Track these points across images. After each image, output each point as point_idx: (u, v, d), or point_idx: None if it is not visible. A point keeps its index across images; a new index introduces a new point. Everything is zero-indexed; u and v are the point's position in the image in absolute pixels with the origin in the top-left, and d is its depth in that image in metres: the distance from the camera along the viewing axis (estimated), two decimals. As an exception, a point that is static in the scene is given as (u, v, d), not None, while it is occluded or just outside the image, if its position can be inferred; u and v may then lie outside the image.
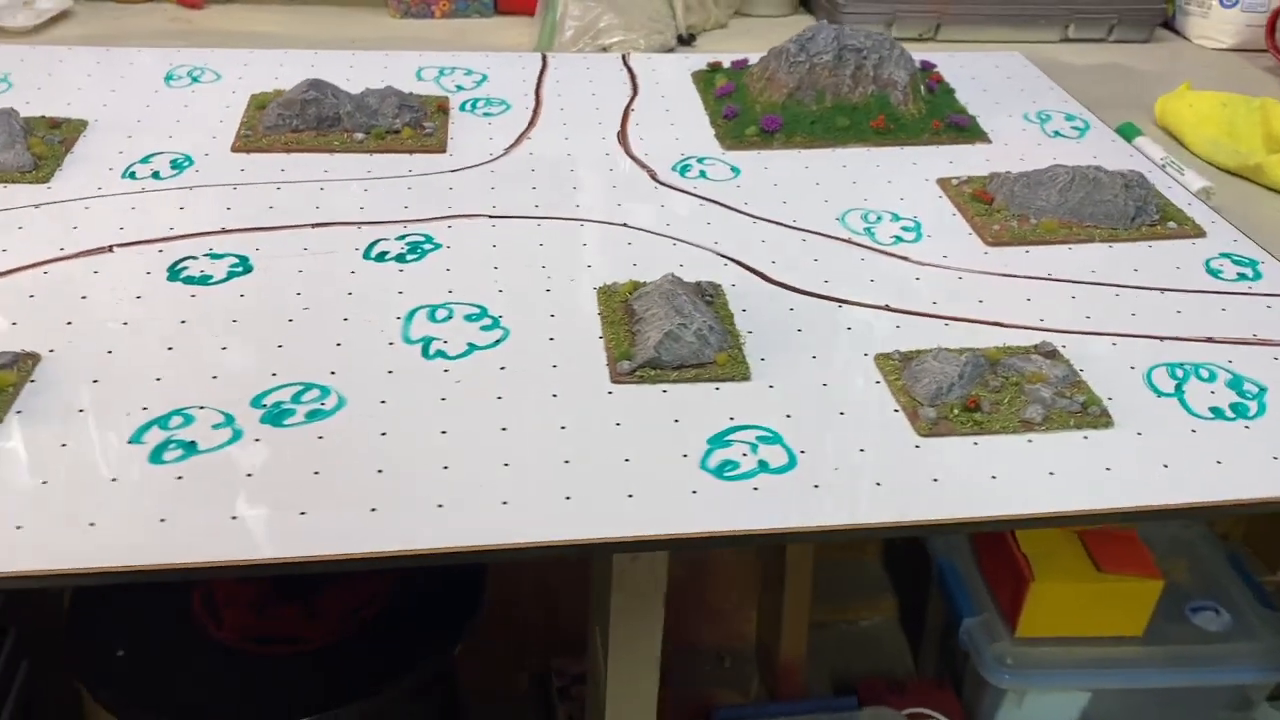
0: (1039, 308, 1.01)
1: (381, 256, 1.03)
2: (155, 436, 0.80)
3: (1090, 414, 0.86)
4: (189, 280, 0.98)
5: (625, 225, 1.11)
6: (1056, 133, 1.35)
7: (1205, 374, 0.92)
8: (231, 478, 0.77)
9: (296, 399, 0.84)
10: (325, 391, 0.85)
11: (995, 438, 0.84)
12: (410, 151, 1.22)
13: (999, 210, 1.14)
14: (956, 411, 0.85)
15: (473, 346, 0.92)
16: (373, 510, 0.75)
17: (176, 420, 0.81)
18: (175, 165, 1.17)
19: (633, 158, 1.24)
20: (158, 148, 1.20)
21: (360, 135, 1.23)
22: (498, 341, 0.92)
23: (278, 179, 1.15)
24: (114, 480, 0.76)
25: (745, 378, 0.89)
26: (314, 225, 1.08)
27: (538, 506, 0.76)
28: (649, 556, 1.02)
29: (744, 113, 1.32)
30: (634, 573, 1.03)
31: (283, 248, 1.04)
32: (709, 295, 0.98)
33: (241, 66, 1.40)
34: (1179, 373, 0.92)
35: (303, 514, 0.74)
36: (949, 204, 1.17)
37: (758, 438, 0.83)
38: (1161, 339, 0.97)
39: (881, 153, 1.28)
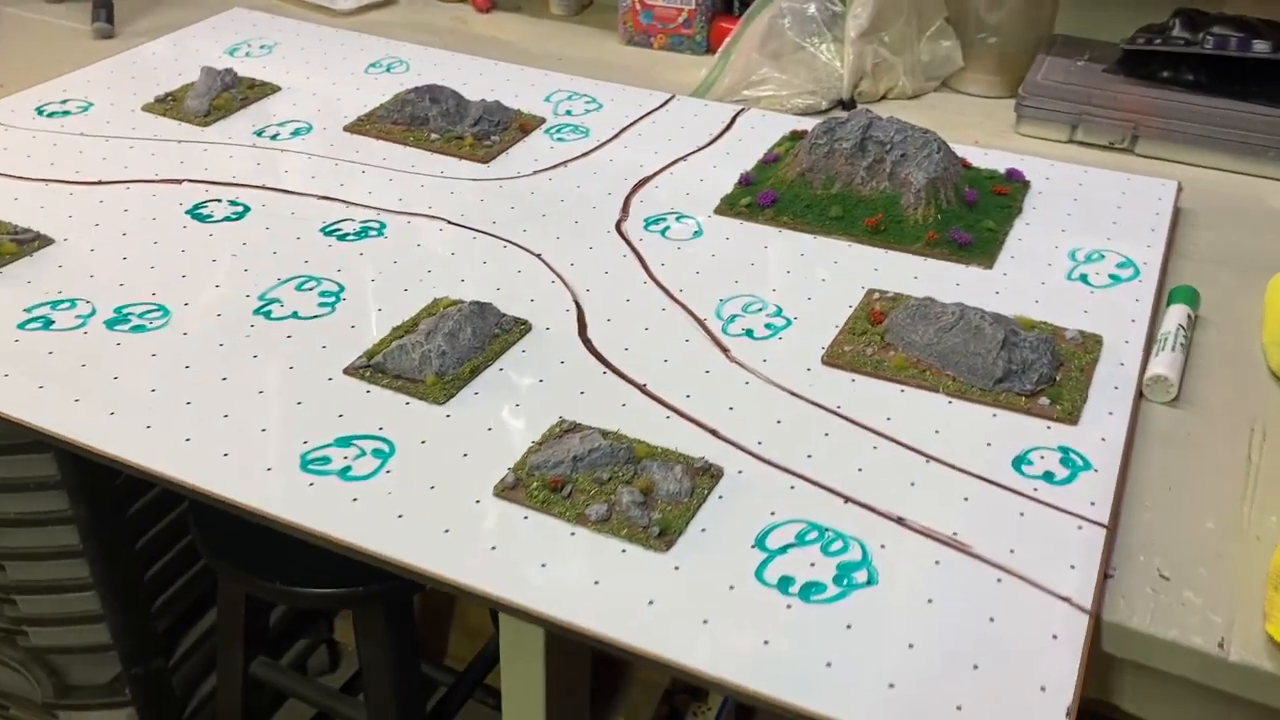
0: (788, 430, 0.95)
1: (339, 234, 1.26)
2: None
3: (650, 534, 0.84)
4: (202, 219, 1.29)
5: (537, 256, 1.22)
6: (1082, 276, 1.17)
7: (837, 545, 0.83)
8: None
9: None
10: (164, 310, 1.11)
11: (549, 519, 0.86)
12: (460, 157, 1.42)
13: (877, 333, 1.06)
14: (536, 485, 0.88)
15: (296, 314, 1.11)
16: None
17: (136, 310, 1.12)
18: (295, 133, 1.48)
19: (625, 204, 1.32)
20: (300, 117, 1.52)
21: (434, 136, 1.45)
22: (316, 316, 1.10)
23: (347, 157, 1.42)
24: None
25: (438, 402, 0.99)
26: (320, 196, 1.33)
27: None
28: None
29: (757, 183, 1.33)
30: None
31: (281, 208, 1.30)
32: (501, 329, 1.07)
33: (431, 66, 1.69)
34: (810, 535, 0.84)
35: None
36: (845, 314, 1.11)
37: (374, 450, 0.94)
38: (846, 500, 0.88)
39: (852, 250, 1.22)
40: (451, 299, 1.12)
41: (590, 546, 0.84)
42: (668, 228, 1.28)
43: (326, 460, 0.93)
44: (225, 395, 1.00)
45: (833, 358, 1.04)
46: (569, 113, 1.55)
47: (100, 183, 1.36)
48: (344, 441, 0.94)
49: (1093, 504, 0.88)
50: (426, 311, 1.10)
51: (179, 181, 1.36)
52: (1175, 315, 1.10)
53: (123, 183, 1.36)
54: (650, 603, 0.79)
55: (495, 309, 1.09)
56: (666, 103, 1.58)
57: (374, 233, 1.26)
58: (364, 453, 0.93)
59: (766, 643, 0.76)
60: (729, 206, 1.30)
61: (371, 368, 1.03)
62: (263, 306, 1.13)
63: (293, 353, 1.06)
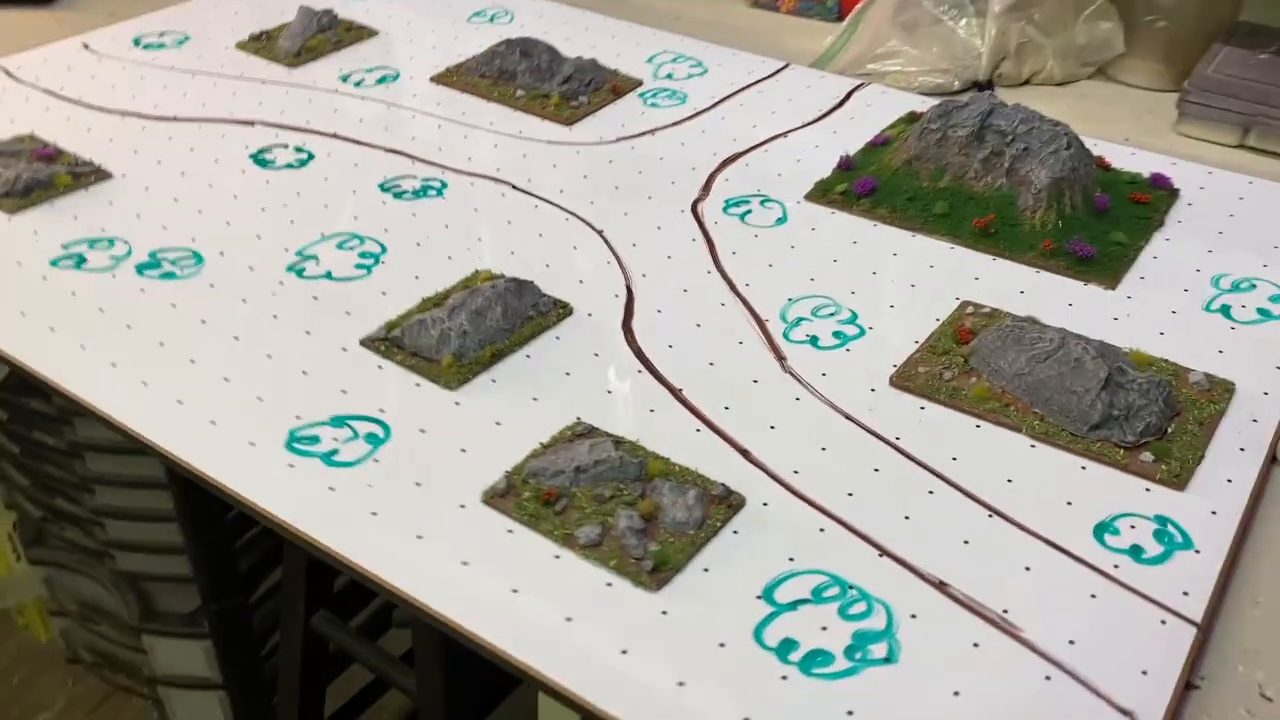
0: (831, 460, 0.82)
1: (396, 191, 1.18)
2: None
3: (642, 569, 0.72)
4: (264, 164, 1.23)
5: (599, 232, 1.11)
6: (1224, 308, 0.99)
7: (859, 608, 0.70)
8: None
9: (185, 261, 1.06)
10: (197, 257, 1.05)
11: (534, 536, 0.76)
12: (542, 117, 1.32)
13: (961, 355, 0.92)
14: (528, 495, 0.78)
15: (329, 274, 1.04)
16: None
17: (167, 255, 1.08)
18: (381, 80, 1.41)
19: (708, 182, 1.20)
20: (389, 64, 1.45)
21: (520, 93, 1.36)
22: (349, 279, 1.03)
23: (426, 109, 1.34)
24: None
25: (449, 387, 0.90)
26: (388, 149, 1.25)
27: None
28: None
29: (858, 169, 1.18)
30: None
31: (345, 158, 1.23)
32: (538, 310, 0.97)
33: (535, 18, 1.59)
34: (830, 590, 0.71)
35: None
36: (930, 328, 0.96)
37: (368, 434, 0.85)
38: (881, 553, 0.74)
39: (953, 253, 1.07)
40: (493, 273, 1.02)
41: (573, 575, 0.73)
42: (749, 211, 1.15)
43: (315, 440, 0.85)
44: (231, 357, 0.93)
45: (903, 379, 0.90)
46: (669, 76, 1.43)
47: (175, 119, 1.32)
48: (339, 421, 0.86)
49: (1186, 593, 0.72)
50: (464, 284, 1.01)
51: (251, 123, 1.31)
52: (1332, 366, 0.92)
53: (196, 120, 1.31)
54: (623, 652, 0.68)
55: (536, 288, 0.99)
56: (779, 71, 1.44)
57: (433, 192, 1.18)
58: (356, 436, 0.85)
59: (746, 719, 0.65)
60: (822, 193, 1.16)
61: (389, 341, 0.94)
62: (297, 264, 1.06)
63: (313, 317, 0.98)
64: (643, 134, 1.29)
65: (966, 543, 0.76)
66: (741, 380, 0.91)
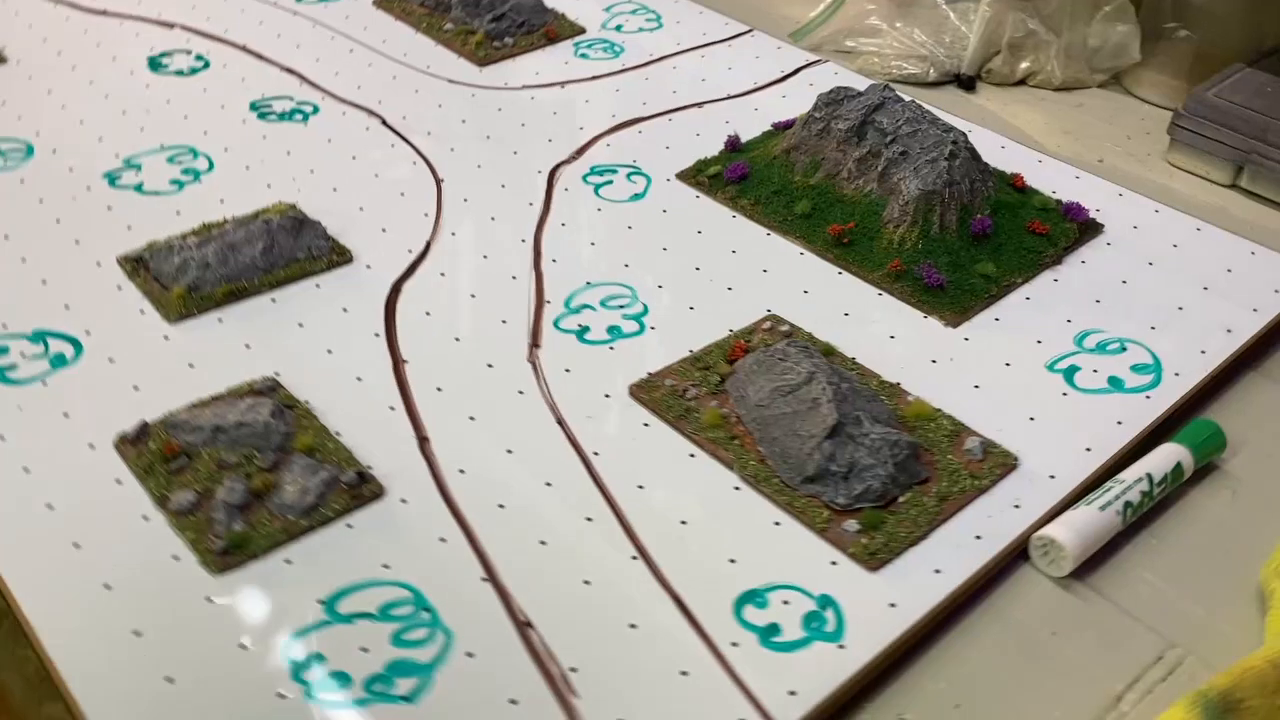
0: (509, 466, 0.74)
1: (264, 111, 1.13)
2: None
3: (214, 547, 0.66)
4: (156, 67, 1.21)
5: (439, 182, 1.03)
6: (1069, 370, 0.84)
7: (419, 633, 0.61)
8: None
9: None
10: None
11: (137, 491, 0.70)
12: (459, 53, 1.25)
13: (719, 374, 0.80)
14: (154, 446, 0.72)
15: (139, 187, 1.00)
16: None
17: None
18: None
19: (586, 145, 1.10)
20: (344, -18, 1.40)
21: (449, 27, 1.28)
22: (157, 193, 0.99)
23: (350, 31, 1.28)
24: None
25: (168, 319, 0.85)
26: (284, 68, 1.20)
27: None
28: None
29: (744, 152, 1.06)
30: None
31: (237, 72, 1.19)
32: (312, 254, 0.91)
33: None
34: (402, 609, 0.63)
35: None
36: (712, 340, 0.85)
37: (56, 355, 0.81)
38: (486, 578, 0.65)
39: (800, 259, 0.94)
40: (289, 206, 0.96)
41: (148, 541, 0.68)
42: (609, 183, 1.05)
43: (3, 351, 0.82)
44: (-13, 255, 0.92)
45: (643, 389, 0.80)
46: (618, 28, 1.32)
47: (104, 13, 1.31)
48: (38, 336, 0.83)
49: (793, 693, 0.60)
50: (257, 214, 0.96)
51: (171, 26, 1.29)
52: (1156, 461, 0.76)
53: (121, 16, 1.30)
54: (136, 634, 0.62)
55: (320, 230, 0.93)
56: (738, 36, 1.31)
57: (300, 117, 1.12)
58: (45, 353, 0.82)
59: (211, 735, 0.58)
60: (694, 173, 1.05)
61: (139, 261, 0.90)
62: (117, 170, 1.03)
63: (93, 227, 0.95)
64: (551, 85, 1.20)
65: (588, 583, 0.66)
66: (477, 362, 0.83)
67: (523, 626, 0.63)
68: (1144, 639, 0.67)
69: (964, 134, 0.96)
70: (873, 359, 0.83)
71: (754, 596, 0.65)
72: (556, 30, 1.29)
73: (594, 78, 1.22)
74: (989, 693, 0.64)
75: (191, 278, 0.86)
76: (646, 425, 0.78)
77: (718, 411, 0.77)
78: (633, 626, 0.64)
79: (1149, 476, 0.74)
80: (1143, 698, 0.64)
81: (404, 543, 0.68)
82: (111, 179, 1.01)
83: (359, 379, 0.81)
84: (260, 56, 1.23)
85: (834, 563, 0.68)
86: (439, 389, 0.80)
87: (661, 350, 0.84)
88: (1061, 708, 0.63)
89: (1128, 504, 0.72)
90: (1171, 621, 0.68)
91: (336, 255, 0.92)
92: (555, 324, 0.87)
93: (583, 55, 1.26)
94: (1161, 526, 0.75)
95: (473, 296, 0.90)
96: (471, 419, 0.78)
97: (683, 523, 0.70)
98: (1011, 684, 0.64)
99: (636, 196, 1.03)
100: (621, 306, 0.89)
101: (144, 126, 1.09)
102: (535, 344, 0.85)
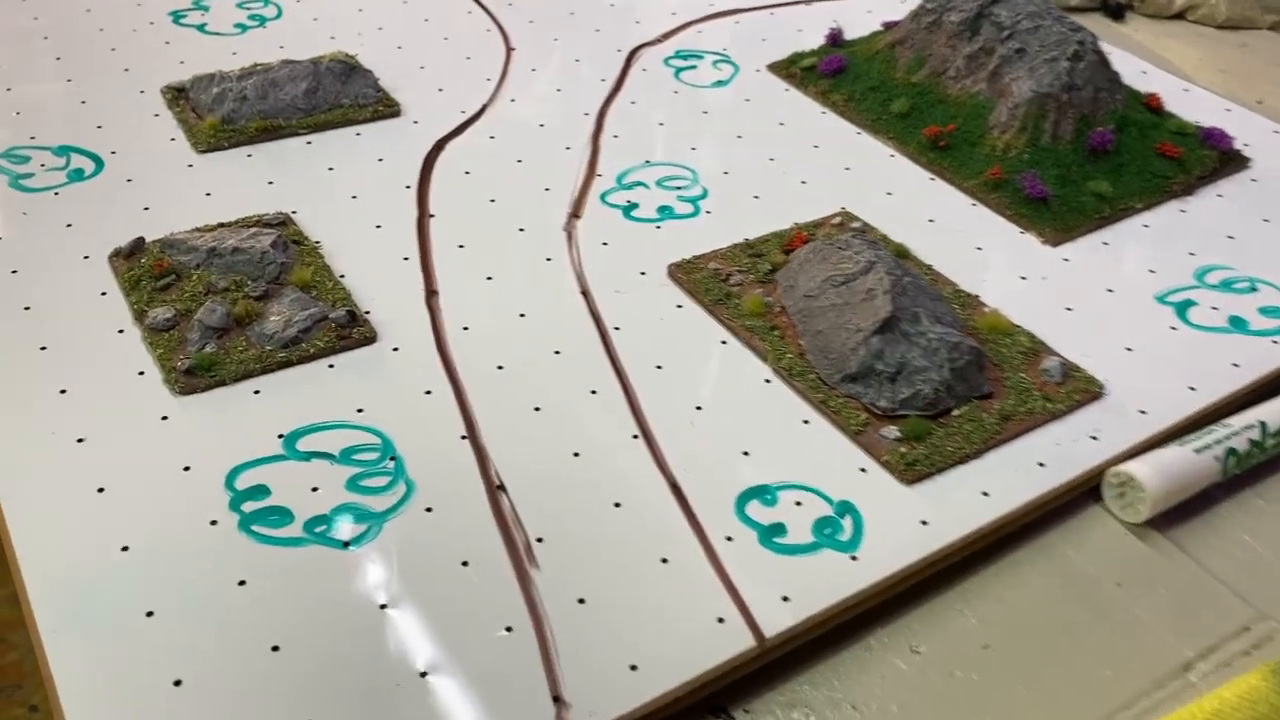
0: (519, 331, 0.66)
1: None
2: None
3: (178, 366, 0.60)
4: None
5: (510, 50, 0.96)
6: (1182, 305, 0.71)
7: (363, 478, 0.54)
8: None
9: None
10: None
11: (118, 303, 0.65)
12: None
13: (771, 264, 0.71)
14: (146, 261, 0.66)
15: (206, 26, 0.96)
16: None
17: None
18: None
19: (671, 32, 1.01)
20: None
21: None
22: None
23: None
24: None
25: (196, 148, 0.80)
26: None
27: None
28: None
29: (844, 46, 0.95)
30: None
31: None
32: (360, 101, 0.85)
33: None
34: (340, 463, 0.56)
35: None
36: (772, 231, 0.76)
37: (74, 170, 0.77)
38: (464, 437, 0.58)
39: (890, 161, 0.84)
40: (344, 55, 0.90)
41: (116, 354, 0.62)
42: (692, 68, 0.96)
43: (24, 159, 0.78)
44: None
45: (682, 270, 0.71)
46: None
47: None
48: (63, 150, 0.79)
49: (786, 598, 0.51)
50: (313, 59, 0.90)
51: None
52: (1274, 409, 0.64)
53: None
54: (80, 441, 0.57)
55: (372, 79, 0.87)
56: (862, -56, 1.21)
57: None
58: (65, 166, 0.77)
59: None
60: (787, 65, 0.95)
61: (180, 91, 0.85)
62: (185, 9, 0.98)
63: (146, 58, 0.90)
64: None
65: (577, 455, 0.58)
66: (508, 226, 0.76)
67: (495, 489, 0.56)
68: (1229, 606, 0.56)
69: (1093, 36, 0.84)
70: (951, 268, 0.73)
71: (762, 493, 0.57)
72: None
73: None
74: (1028, 638, 0.54)
75: (227, 109, 0.81)
76: (679, 307, 0.69)
77: (760, 299, 0.68)
78: (617, 505, 0.56)
79: (1262, 425, 0.62)
80: (1217, 669, 0.53)
81: (384, 390, 0.61)
82: (177, 16, 0.97)
83: (378, 226, 0.74)
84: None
85: (863, 470, 0.58)
86: (460, 245, 0.73)
87: (713, 235, 0.76)
88: (1114, 667, 0.52)
89: (1231, 451, 0.60)
90: (1267, 592, 0.57)
91: (384, 107, 0.86)
92: (602, 198, 0.79)
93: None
94: (1272, 487, 0.63)
95: (519, 162, 0.82)
96: (489, 279, 0.71)
97: (698, 408, 0.62)
98: (1057, 632, 0.54)
99: (720, 84, 0.94)
100: (679, 188, 0.81)
101: None
102: (575, 214, 0.77)
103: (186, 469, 0.56)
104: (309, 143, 0.82)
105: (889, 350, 0.61)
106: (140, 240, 0.69)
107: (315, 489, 0.55)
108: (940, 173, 0.83)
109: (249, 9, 0.99)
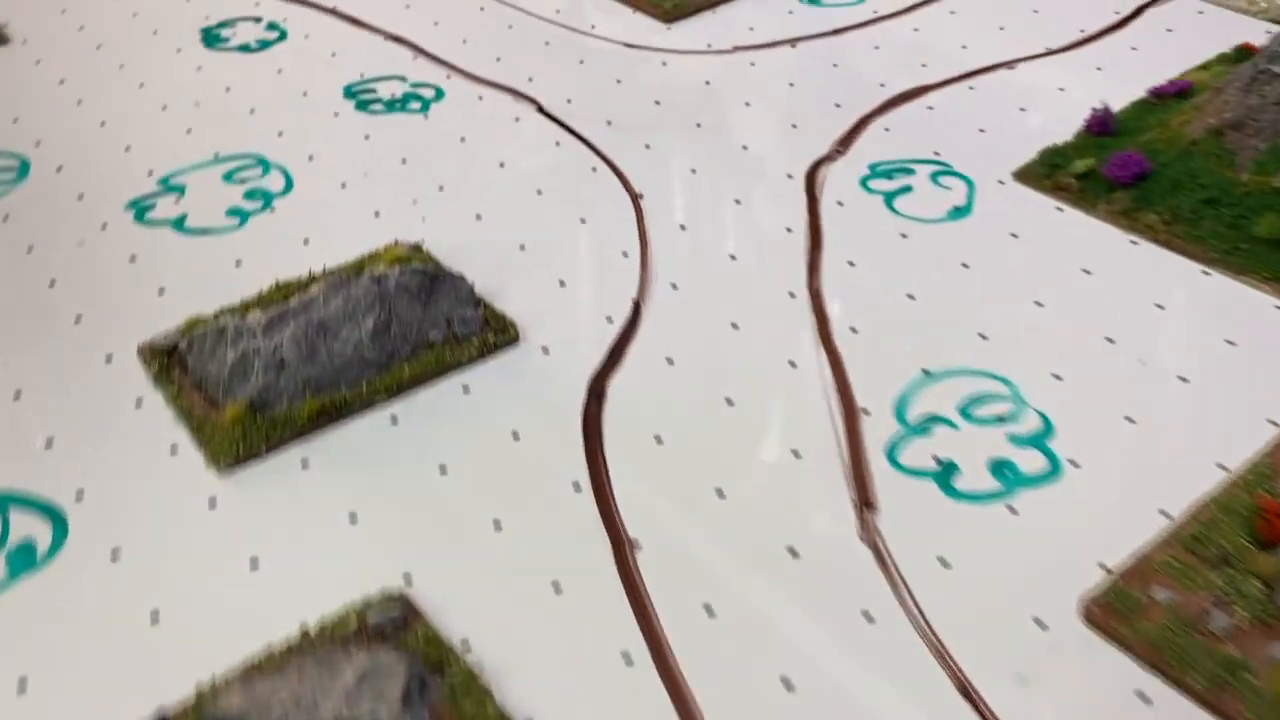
0: None
1: (363, 99, 0.77)
2: None
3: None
4: (215, 41, 0.85)
5: (635, 198, 0.66)
6: None
7: None
8: None
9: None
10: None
11: None
12: (633, 4, 0.87)
13: (1256, 575, 0.41)
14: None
15: (178, 222, 0.65)
16: None
17: None
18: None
19: (853, 130, 0.71)
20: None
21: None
22: (204, 231, 0.63)
23: (481, -15, 0.92)
24: None
25: (217, 464, 0.48)
26: (389, 35, 0.84)
27: None
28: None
29: (1122, 135, 0.66)
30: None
31: (323, 44, 0.83)
32: (458, 332, 0.54)
33: None
34: None
35: None
36: (1200, 490, 0.46)
37: (20, 544, 0.45)
38: None
39: (1271, 321, 0.55)
40: (415, 250, 0.60)
41: None
42: (906, 190, 0.66)
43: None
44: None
45: (1111, 609, 0.41)
46: (855, -37, 0.94)
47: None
48: (3, 503, 0.48)
49: None
50: (355, 265, 0.59)
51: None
52: None
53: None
54: None
55: (465, 287, 0.57)
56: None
57: (417, 105, 0.76)
58: (1, 542, 0.46)
59: None
60: (1047, 170, 0.66)
61: (171, 353, 0.54)
62: (147, 197, 0.67)
63: (104, 291, 0.60)
64: (776, 43, 0.82)
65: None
66: (773, 547, 0.45)
67: None
68: None
69: None
70: None
71: None
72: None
73: (835, 31, 0.83)
74: None
75: (256, 386, 0.50)
76: (1144, 701, 0.39)
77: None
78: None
79: None
80: None
81: None
82: (140, 212, 0.66)
83: (555, 585, 0.44)
84: (355, 21, 0.87)
85: None
86: (708, 608, 0.43)
87: (1099, 509, 0.46)
88: None
89: None
90: None
91: (496, 334, 0.55)
92: (889, 456, 0.49)
93: (813, 1, 0.87)
94: None
95: (729, 403, 0.52)
96: (786, 680, 0.40)
97: None
98: None
99: (959, 212, 0.64)
100: (1001, 419, 0.50)
101: (192, 128, 0.74)
102: (866, 502, 0.47)
103: None
104: (394, 420, 0.51)
105: None
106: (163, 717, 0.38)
107: None
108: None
109: (243, 182, 0.68)
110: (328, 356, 0.52)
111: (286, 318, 0.52)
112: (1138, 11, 0.84)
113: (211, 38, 0.85)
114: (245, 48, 0.84)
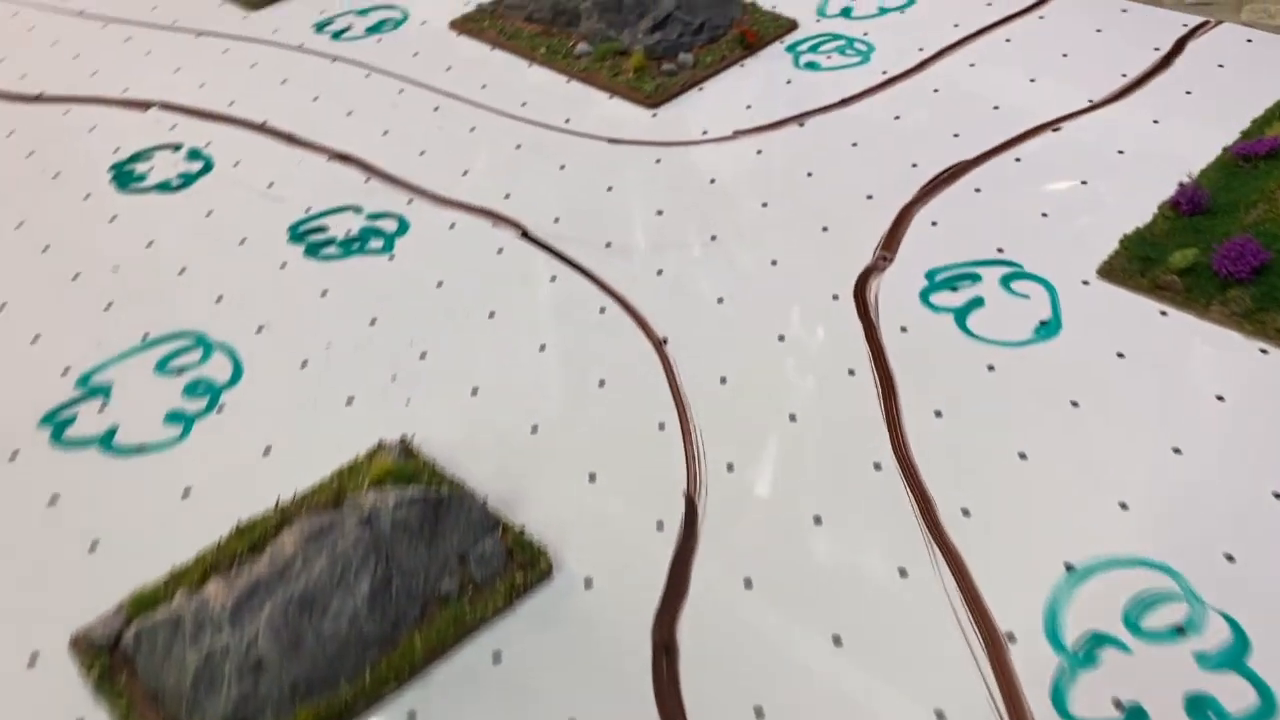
0: None
1: (314, 243, 0.65)
2: None
3: None
4: (126, 181, 0.73)
5: (659, 344, 0.55)
6: None
7: None
8: None
9: None
10: None
11: None
12: (609, 90, 0.76)
13: None
14: None
15: (97, 440, 0.53)
16: None
17: None
18: (375, 28, 0.87)
19: (892, 229, 0.61)
20: (398, 1, 0.91)
21: (583, 48, 0.80)
22: (138, 451, 0.52)
23: (426, 78, 0.80)
24: None
25: None
26: (336, 154, 0.72)
27: None
28: None
29: (1216, 213, 0.56)
30: None
31: (257, 171, 0.71)
32: (477, 577, 0.43)
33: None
34: None
35: None
36: None
37: None
38: None
39: None
40: (393, 461, 0.48)
41: None
42: (978, 304, 0.56)
43: None
44: None
45: None
46: (847, 12, 0.83)
47: (38, 97, 0.83)
48: None
49: None
50: (335, 485, 0.48)
51: (146, 106, 0.81)
52: None
53: (67, 101, 0.82)
54: None
55: (479, 509, 0.45)
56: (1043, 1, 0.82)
57: (378, 242, 0.65)
58: None
59: None
60: (1141, 265, 0.55)
61: (114, 651, 0.42)
62: (64, 407, 0.55)
63: (25, 568, 0.48)
64: (781, 123, 0.72)
65: None
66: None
67: None
68: None
69: None
70: None
71: None
72: (755, 31, 0.80)
73: (843, 102, 0.73)
74: None
75: (231, 699, 0.38)
76: None
77: None
78: None
79: None
80: None
81: None
82: (58, 431, 0.53)
83: None
84: (291, 138, 0.75)
85: None
86: None
87: None
88: None
89: None
90: None
91: (524, 570, 0.44)
92: (1056, 702, 0.38)
93: (810, 65, 0.77)
94: None
95: (837, 643, 0.41)
96: None
97: None
98: None
99: (1046, 329, 0.54)
100: (1180, 631, 0.40)
101: (112, 302, 0.62)
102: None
103: None
104: (412, 717, 0.40)
105: None
106: None
107: None
108: None
109: (177, 375, 0.56)
110: (317, 642, 0.40)
111: (259, 593, 0.41)
112: (1178, 46, 0.75)
113: (124, 176, 0.73)
114: (165, 186, 0.72)
